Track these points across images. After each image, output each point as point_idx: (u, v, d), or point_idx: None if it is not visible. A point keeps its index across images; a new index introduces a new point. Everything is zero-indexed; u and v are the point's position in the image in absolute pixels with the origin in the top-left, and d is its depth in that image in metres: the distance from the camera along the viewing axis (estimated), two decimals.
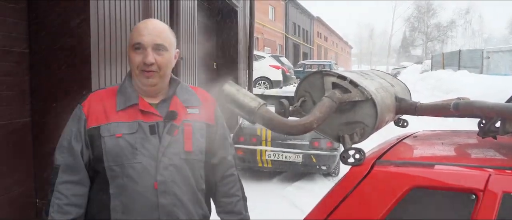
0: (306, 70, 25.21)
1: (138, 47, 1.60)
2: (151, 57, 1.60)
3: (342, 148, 1.45)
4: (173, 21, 4.97)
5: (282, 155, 6.21)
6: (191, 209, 1.69)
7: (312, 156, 6.13)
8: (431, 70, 27.35)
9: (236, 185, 1.86)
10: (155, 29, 1.63)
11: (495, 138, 1.61)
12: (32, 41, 3.14)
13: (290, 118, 1.43)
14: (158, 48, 1.62)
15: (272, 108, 1.44)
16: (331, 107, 1.38)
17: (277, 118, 1.35)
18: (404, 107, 1.69)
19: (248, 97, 1.36)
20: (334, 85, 1.49)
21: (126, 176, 1.59)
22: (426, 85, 20.35)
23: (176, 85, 1.74)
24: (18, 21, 3.06)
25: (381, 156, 1.47)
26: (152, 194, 1.60)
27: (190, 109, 1.72)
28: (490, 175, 1.22)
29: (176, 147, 1.65)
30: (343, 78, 1.47)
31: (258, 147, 6.27)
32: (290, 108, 1.53)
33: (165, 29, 1.67)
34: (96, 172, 1.65)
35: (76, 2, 3.04)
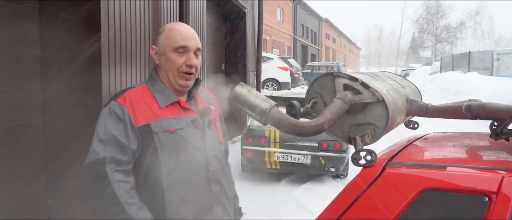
0: (314, 71, 25.17)
1: (182, 50, 1.71)
2: (195, 60, 1.74)
3: (351, 150, 1.45)
4: (183, 22, 4.99)
5: (291, 156, 6.20)
6: (228, 194, 1.87)
7: (320, 157, 6.12)
8: (441, 71, 27.18)
9: (230, 171, 2.08)
10: (194, 33, 1.78)
11: (507, 140, 1.60)
12: (44, 43, 3.17)
13: (301, 119, 1.43)
14: (197, 51, 1.76)
15: (282, 110, 1.44)
16: (342, 109, 1.38)
17: (288, 119, 1.35)
18: (415, 109, 1.68)
19: (260, 99, 1.37)
20: (345, 87, 1.49)
21: (183, 169, 1.66)
22: (435, 87, 20.24)
23: (199, 84, 1.87)
24: (30, 23, 3.09)
25: (393, 157, 1.46)
26: (206, 184, 1.73)
27: (210, 105, 1.88)
28: (503, 177, 1.21)
29: (214, 139, 1.81)
30: (355, 79, 1.47)
31: (267, 149, 6.27)
32: (301, 110, 1.53)
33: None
34: (140, 169, 1.66)
35: (87, 3, 3.06)
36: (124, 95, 1.67)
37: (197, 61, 1.75)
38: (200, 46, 1.77)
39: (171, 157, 1.64)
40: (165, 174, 1.63)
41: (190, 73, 1.73)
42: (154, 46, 1.77)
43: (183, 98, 1.79)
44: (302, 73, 22.03)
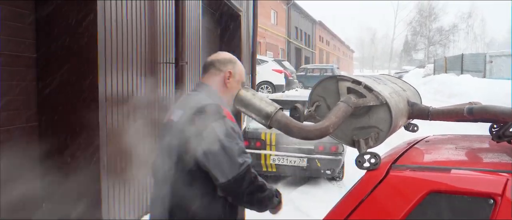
0: (308, 74, 25.15)
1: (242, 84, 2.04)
2: None
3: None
4: (179, 23, 4.95)
5: (287, 159, 6.19)
6: None
7: (316, 160, 6.11)
8: (434, 74, 27.33)
9: None
10: None
11: (509, 142, 1.60)
12: (40, 45, 3.15)
13: (305, 122, 1.43)
14: None
15: (285, 113, 1.43)
16: (347, 112, 1.38)
17: (293, 123, 1.34)
18: (417, 112, 1.69)
19: (264, 102, 1.37)
20: (349, 90, 1.49)
21: None
22: (429, 89, 20.34)
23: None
24: (25, 26, 3.06)
25: (396, 160, 1.46)
26: None
27: None
28: (508, 179, 1.22)
29: None
30: (358, 83, 1.47)
31: (263, 152, 6.25)
32: (304, 113, 1.53)
33: None
34: None
35: (83, 3, 3.04)
36: (224, 111, 1.92)
37: None
38: None
39: None
40: None
41: None
42: (230, 71, 2.05)
43: None
44: (296, 75, 22.07)
